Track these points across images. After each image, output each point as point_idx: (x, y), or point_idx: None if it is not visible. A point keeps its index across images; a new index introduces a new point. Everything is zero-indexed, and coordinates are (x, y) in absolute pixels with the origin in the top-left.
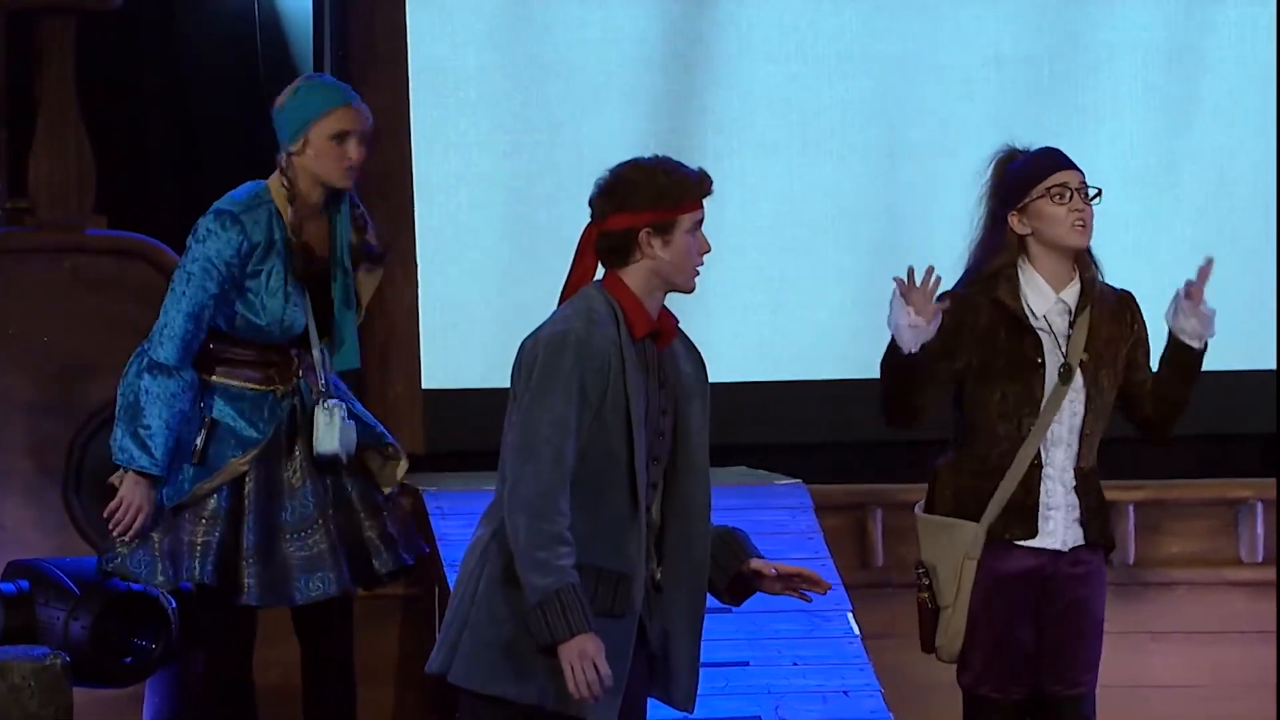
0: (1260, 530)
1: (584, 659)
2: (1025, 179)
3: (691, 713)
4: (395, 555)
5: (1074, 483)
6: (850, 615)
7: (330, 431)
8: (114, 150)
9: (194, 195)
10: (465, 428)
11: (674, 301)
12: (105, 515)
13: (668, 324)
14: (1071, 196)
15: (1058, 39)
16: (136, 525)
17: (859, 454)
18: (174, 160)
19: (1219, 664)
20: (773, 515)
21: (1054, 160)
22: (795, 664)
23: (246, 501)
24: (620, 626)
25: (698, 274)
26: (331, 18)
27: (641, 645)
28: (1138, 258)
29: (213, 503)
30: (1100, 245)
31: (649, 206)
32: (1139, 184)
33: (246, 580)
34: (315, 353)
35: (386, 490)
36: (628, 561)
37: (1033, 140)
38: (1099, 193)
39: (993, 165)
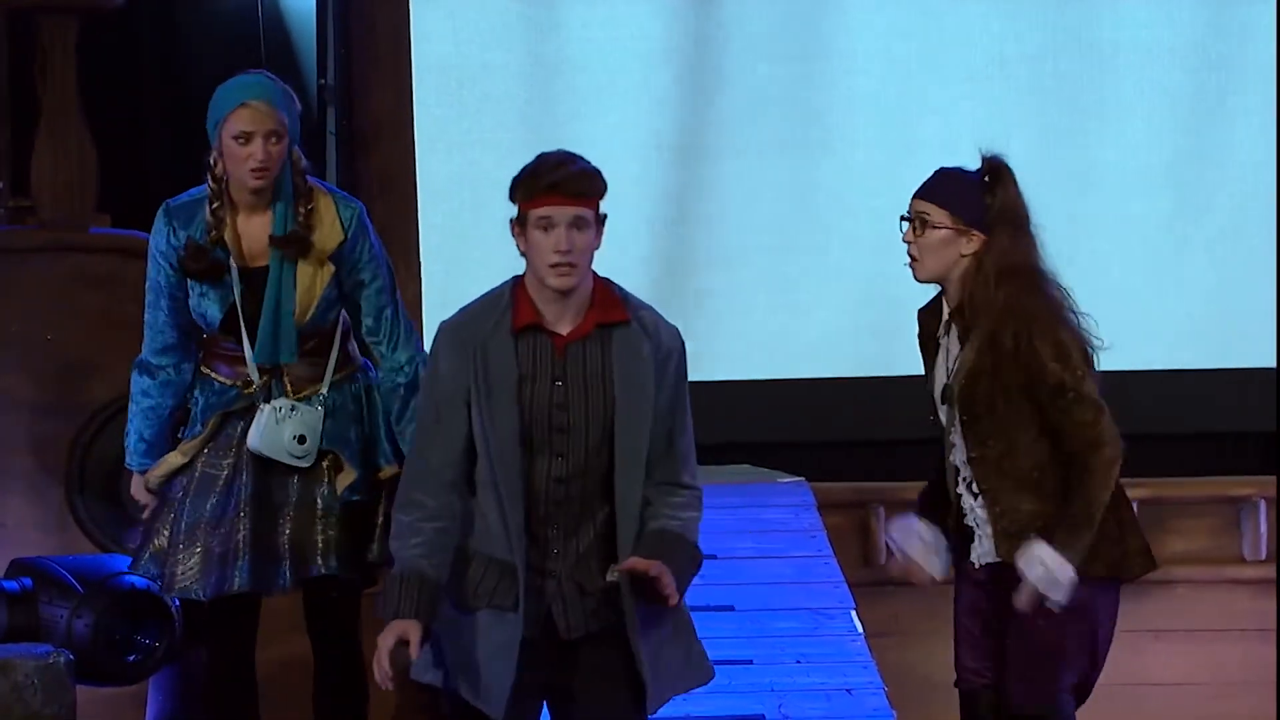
0: (1263, 528)
1: (380, 647)
2: None
3: (652, 714)
4: (342, 563)
5: (984, 502)
6: (853, 613)
7: (256, 426)
8: (116, 149)
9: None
10: None
11: (676, 296)
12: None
13: (589, 318)
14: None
15: (1062, 37)
16: (144, 515)
17: (862, 452)
18: (176, 159)
19: (1221, 662)
20: (776, 513)
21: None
22: (798, 662)
23: (187, 493)
24: (509, 619)
25: (559, 275)
26: (334, 17)
27: (548, 637)
28: (1142, 256)
29: (168, 492)
30: (1105, 245)
31: (511, 198)
32: (1143, 182)
33: (168, 570)
34: (245, 348)
35: (339, 495)
36: (511, 553)
37: (1038, 139)
38: (905, 220)
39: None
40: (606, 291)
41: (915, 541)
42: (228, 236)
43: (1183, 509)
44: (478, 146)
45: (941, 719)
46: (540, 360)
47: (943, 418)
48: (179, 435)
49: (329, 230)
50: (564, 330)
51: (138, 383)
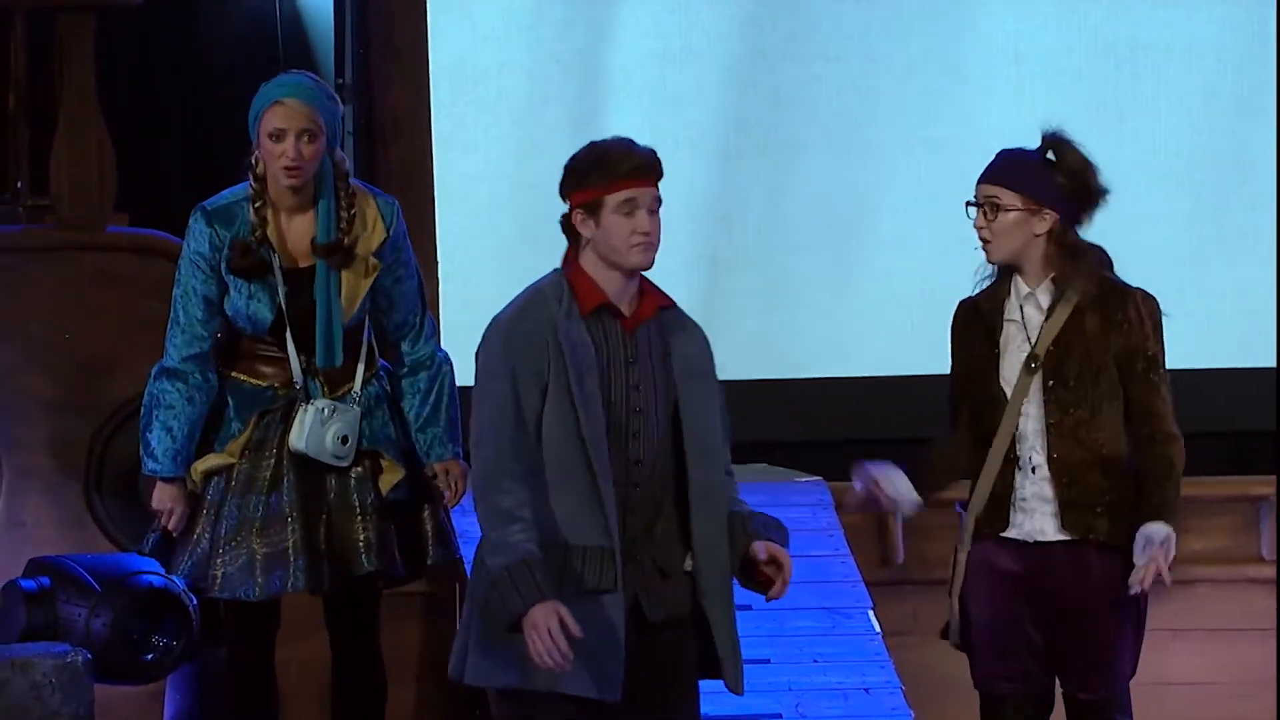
0: None
1: (537, 628)
2: None
3: (741, 694)
4: (383, 560)
5: (1048, 475)
6: (871, 612)
7: (298, 428)
8: (134, 148)
9: (214, 193)
10: None
11: (694, 295)
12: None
13: (647, 302)
14: (977, 213)
15: (1077, 36)
16: (171, 524)
17: (880, 451)
18: (194, 158)
19: (1240, 661)
20: (794, 512)
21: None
22: (816, 661)
23: (228, 493)
24: (603, 602)
25: (642, 251)
26: (352, 15)
27: (641, 623)
28: (1161, 255)
29: (207, 495)
30: (1122, 242)
31: (579, 188)
32: (1160, 181)
33: (213, 573)
34: (290, 349)
35: (385, 494)
36: (599, 537)
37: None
38: (973, 205)
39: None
40: (647, 281)
41: (895, 479)
42: (271, 236)
43: (1202, 508)
44: (494, 145)
45: (960, 718)
46: (613, 342)
47: (1008, 391)
48: (211, 437)
49: (373, 230)
50: (627, 312)
51: (161, 388)
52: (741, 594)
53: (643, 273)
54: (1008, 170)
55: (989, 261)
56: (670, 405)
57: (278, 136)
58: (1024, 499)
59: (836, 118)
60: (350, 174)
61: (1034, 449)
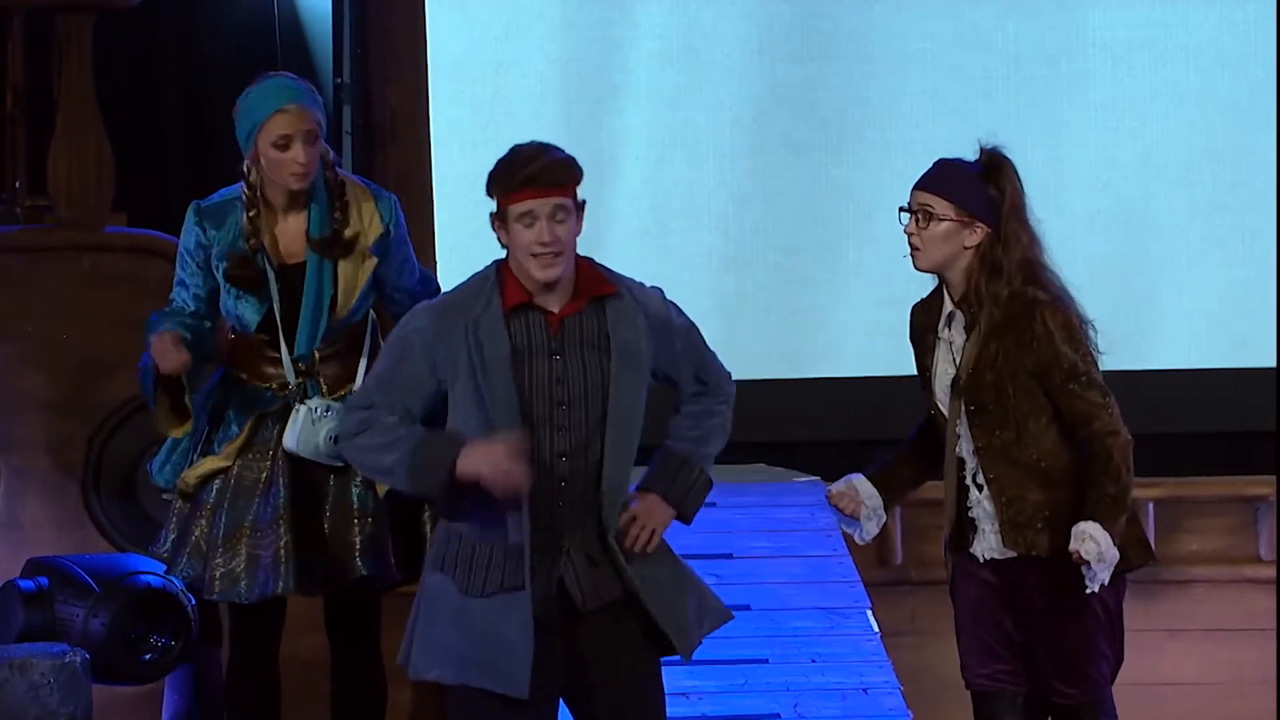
0: None
1: (486, 458)
2: None
3: (688, 659)
4: (379, 564)
5: (990, 494)
6: (869, 613)
7: (291, 428)
8: (133, 148)
9: (211, 192)
10: None
11: (690, 296)
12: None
13: (580, 293)
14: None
15: (1075, 37)
16: (174, 360)
17: (877, 451)
18: (192, 158)
19: (1237, 662)
20: (792, 512)
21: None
22: (814, 661)
23: (225, 496)
24: (519, 597)
25: (542, 265)
26: (350, 15)
27: (575, 613)
28: (1158, 255)
29: (202, 495)
30: (1119, 243)
31: (490, 195)
32: (1157, 181)
33: (209, 574)
34: (284, 350)
35: (380, 495)
36: (510, 533)
37: (1053, 139)
38: (906, 211)
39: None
40: (590, 268)
41: (854, 501)
42: (264, 239)
43: (1199, 508)
44: (492, 144)
45: (958, 719)
46: (535, 335)
47: (944, 411)
48: (212, 438)
49: (369, 223)
50: (555, 308)
51: (159, 317)
52: (740, 594)
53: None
54: (945, 179)
55: (917, 268)
56: (608, 393)
57: (284, 144)
58: (975, 518)
59: (836, 118)
60: (337, 164)
61: (975, 470)
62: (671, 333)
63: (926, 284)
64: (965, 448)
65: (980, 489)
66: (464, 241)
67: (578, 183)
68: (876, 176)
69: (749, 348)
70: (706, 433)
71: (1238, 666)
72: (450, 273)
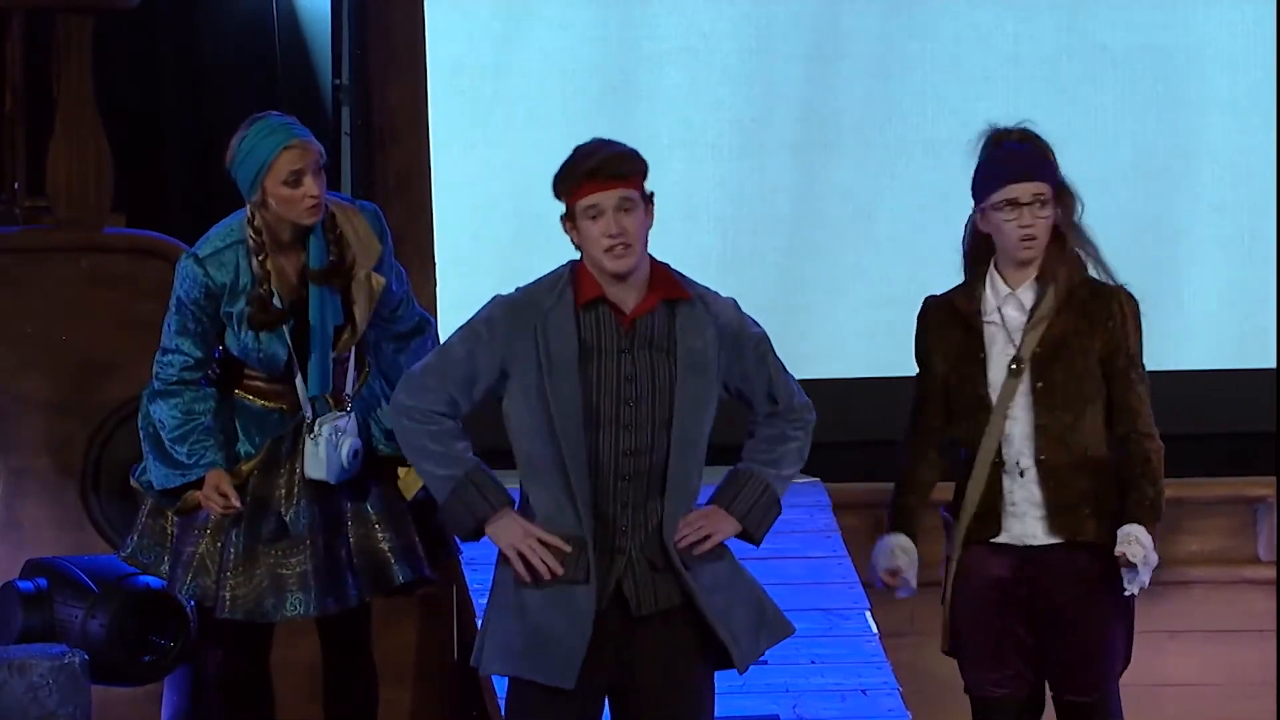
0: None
1: (526, 536)
2: (980, 185)
3: (743, 672)
4: (414, 566)
5: (1037, 478)
6: (868, 614)
7: (315, 460)
8: (132, 149)
9: (211, 194)
10: (485, 423)
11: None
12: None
13: (653, 294)
14: (1020, 212)
15: (1075, 38)
16: (229, 506)
17: (877, 452)
18: (191, 159)
19: (1236, 663)
20: (791, 513)
21: (1004, 172)
22: (813, 662)
23: (235, 515)
24: (580, 592)
25: (615, 256)
26: (349, 16)
27: (631, 616)
28: (1158, 256)
29: (210, 515)
30: (1118, 244)
31: (557, 197)
32: (1156, 182)
33: (223, 593)
34: (299, 383)
35: (409, 498)
36: (571, 527)
37: (1052, 139)
38: (1044, 199)
39: (977, 149)
40: (665, 272)
41: (900, 557)
42: (273, 282)
43: (1199, 509)
44: (492, 145)
45: None
46: (605, 333)
47: (994, 395)
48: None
49: (367, 243)
50: (628, 305)
51: (161, 407)
52: None
53: (659, 266)
54: (1045, 164)
55: (1028, 260)
56: (674, 397)
57: (295, 180)
58: (1014, 503)
59: (836, 118)
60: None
61: (1021, 453)
62: (743, 343)
63: (927, 284)
64: (1018, 430)
65: (1023, 474)
66: (463, 242)
67: (643, 175)
68: (876, 177)
69: None
70: (779, 456)
71: (1238, 667)
72: (450, 273)
